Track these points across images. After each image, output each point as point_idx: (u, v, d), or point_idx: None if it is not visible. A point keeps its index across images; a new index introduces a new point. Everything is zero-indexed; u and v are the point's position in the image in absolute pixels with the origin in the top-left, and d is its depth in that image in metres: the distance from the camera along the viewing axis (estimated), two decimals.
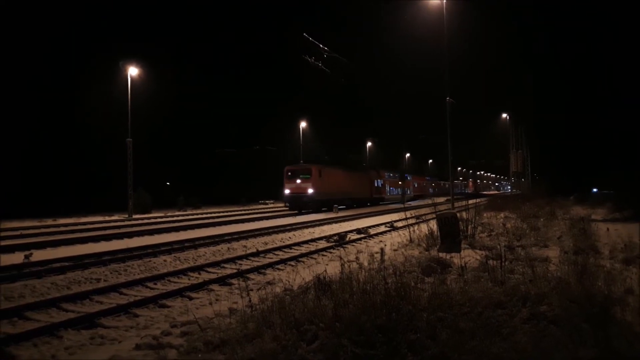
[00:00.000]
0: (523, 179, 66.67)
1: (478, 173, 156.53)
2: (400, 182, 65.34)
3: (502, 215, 22.29)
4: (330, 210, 37.56)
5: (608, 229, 14.58)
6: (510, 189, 71.04)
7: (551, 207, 24.85)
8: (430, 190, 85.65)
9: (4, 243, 15.72)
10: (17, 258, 12.82)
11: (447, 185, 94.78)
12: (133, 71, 34.76)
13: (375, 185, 56.20)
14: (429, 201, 19.62)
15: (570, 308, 5.37)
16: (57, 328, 6.98)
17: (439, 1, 28.64)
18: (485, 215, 20.93)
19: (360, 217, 31.76)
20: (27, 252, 13.18)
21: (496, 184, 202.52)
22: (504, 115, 61.72)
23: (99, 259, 13.23)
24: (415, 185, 76.14)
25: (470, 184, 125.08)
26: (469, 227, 14.27)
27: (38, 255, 13.55)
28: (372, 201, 53.00)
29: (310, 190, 37.29)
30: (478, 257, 9.56)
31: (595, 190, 48.48)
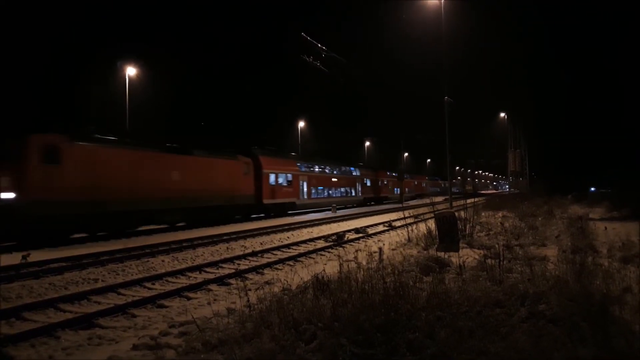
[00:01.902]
0: (521, 178, 66.74)
1: (476, 172, 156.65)
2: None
3: (500, 214, 22.31)
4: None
5: (606, 228, 14.62)
6: (509, 188, 71.04)
7: (549, 206, 24.90)
8: (415, 190, 78.00)
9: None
10: (15, 259, 12.77)
11: (444, 185, 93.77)
12: (131, 71, 34.68)
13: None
14: (427, 200, 19.61)
15: (569, 307, 5.36)
16: (54, 328, 6.95)
17: (437, 1, 28.63)
18: (483, 214, 20.93)
19: (358, 216, 31.77)
20: (24, 253, 13.13)
21: (494, 183, 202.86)
22: (502, 114, 61.78)
23: (96, 259, 13.20)
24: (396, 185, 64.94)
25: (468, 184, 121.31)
26: (467, 227, 14.28)
27: (35, 255, 13.51)
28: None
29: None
30: (476, 257, 9.57)
31: (593, 189, 48.57)
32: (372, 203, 52.75)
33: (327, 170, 43.77)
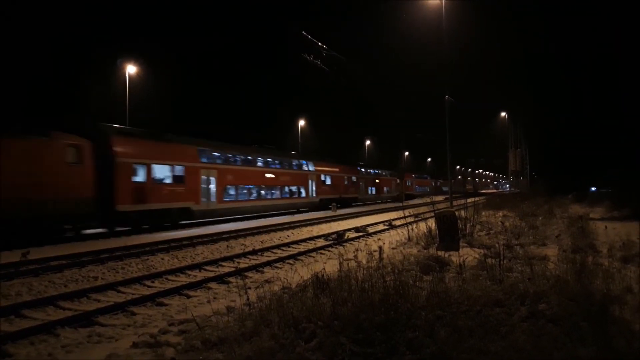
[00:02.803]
0: (522, 178, 66.72)
1: (477, 172, 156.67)
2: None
3: (500, 213, 22.30)
4: None
5: (606, 228, 14.57)
6: (509, 187, 70.96)
7: (549, 206, 24.88)
8: (417, 188, 74.52)
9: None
10: (15, 256, 12.77)
11: (438, 184, 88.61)
12: (131, 69, 34.68)
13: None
14: (428, 199, 19.58)
15: (569, 306, 5.35)
16: (54, 326, 6.95)
17: (438, 1, 28.60)
18: (483, 213, 20.90)
19: (358, 215, 31.77)
20: (24, 250, 13.13)
21: (495, 182, 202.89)
22: (503, 114, 61.76)
23: (96, 257, 13.21)
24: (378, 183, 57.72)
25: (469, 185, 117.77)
26: (468, 226, 14.27)
27: (35, 253, 13.51)
28: None
29: None
30: (477, 256, 9.55)
31: (593, 189, 48.55)
32: (336, 205, 38.61)
33: (259, 163, 32.22)
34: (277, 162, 34.33)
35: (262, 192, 31.75)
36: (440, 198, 45.06)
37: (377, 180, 58.21)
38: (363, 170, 54.24)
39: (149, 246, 15.50)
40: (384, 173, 62.38)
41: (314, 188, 38.96)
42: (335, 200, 41.03)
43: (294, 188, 35.88)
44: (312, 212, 35.58)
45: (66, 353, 5.98)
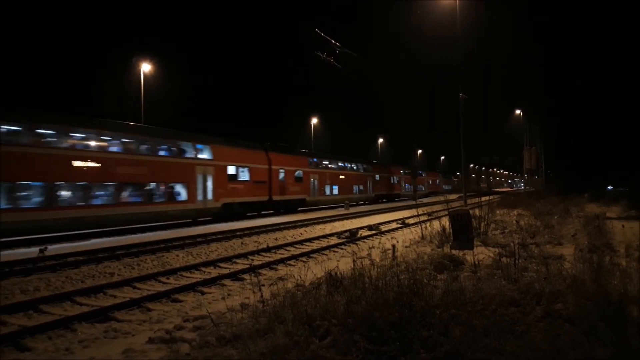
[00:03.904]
0: (537, 176, 66.01)
1: (491, 170, 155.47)
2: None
3: (515, 212, 22.09)
4: None
5: (623, 227, 14.40)
6: (524, 186, 70.22)
7: (565, 205, 24.60)
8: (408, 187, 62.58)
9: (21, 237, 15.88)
10: (32, 252, 12.97)
11: (437, 182, 79.26)
12: (146, 67, 34.92)
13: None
14: (441, 198, 19.48)
15: (586, 306, 5.30)
16: (71, 321, 7.06)
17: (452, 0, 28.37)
18: (498, 212, 20.74)
19: (371, 213, 31.71)
20: (41, 247, 13.33)
21: (509, 181, 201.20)
22: (518, 111, 61.13)
23: (112, 253, 13.36)
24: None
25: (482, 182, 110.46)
26: (482, 225, 14.17)
27: (53, 249, 13.70)
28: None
29: None
30: (491, 255, 9.49)
31: (610, 187, 47.92)
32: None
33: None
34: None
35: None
36: (453, 196, 43.72)
37: (341, 177, 42.65)
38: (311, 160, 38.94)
39: (164, 243, 15.65)
40: (352, 166, 46.23)
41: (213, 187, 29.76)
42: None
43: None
44: (327, 210, 35.56)
45: (83, 348, 6.06)
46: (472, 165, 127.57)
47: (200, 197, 23.84)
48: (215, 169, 25.13)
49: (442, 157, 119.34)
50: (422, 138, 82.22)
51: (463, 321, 4.98)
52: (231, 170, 26.72)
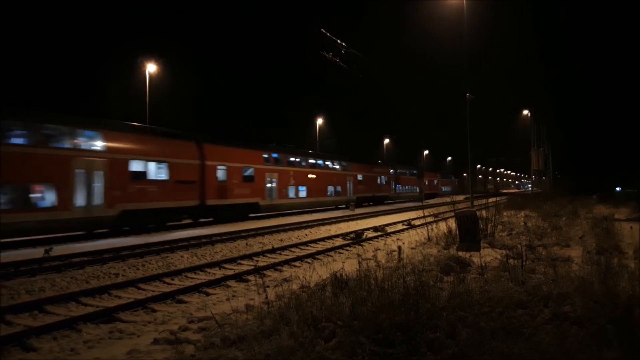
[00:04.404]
0: (544, 177, 65.67)
1: (498, 171, 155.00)
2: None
3: (522, 214, 21.98)
4: None
5: (632, 228, 14.25)
6: (531, 187, 69.72)
7: (573, 206, 24.44)
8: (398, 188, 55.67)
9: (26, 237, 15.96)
10: (38, 252, 13.02)
11: (434, 182, 73.32)
12: (151, 68, 35.01)
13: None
14: (448, 199, 19.40)
15: (594, 309, 5.24)
16: (76, 322, 7.06)
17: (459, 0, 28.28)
18: (505, 214, 20.63)
19: (377, 214, 31.63)
20: (47, 247, 13.38)
21: (516, 182, 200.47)
22: (525, 112, 60.85)
23: (117, 254, 13.38)
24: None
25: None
26: (489, 226, 14.09)
27: (58, 250, 13.75)
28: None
29: None
30: (498, 257, 9.42)
31: (618, 188, 47.60)
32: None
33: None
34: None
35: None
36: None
37: (310, 176, 35.49)
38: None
39: (169, 244, 15.66)
40: (326, 164, 39.16)
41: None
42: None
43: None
44: (331, 211, 35.44)
45: (88, 349, 6.05)
46: (479, 166, 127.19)
47: (80, 202, 17.46)
48: (108, 164, 18.65)
49: (449, 158, 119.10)
50: (429, 138, 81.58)
51: (470, 323, 4.94)
52: (136, 166, 19.98)
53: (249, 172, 27.96)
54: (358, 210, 36.04)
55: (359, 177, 44.11)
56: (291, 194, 32.43)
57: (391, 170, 54.26)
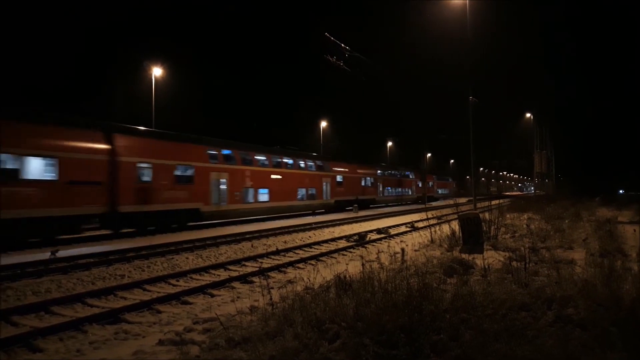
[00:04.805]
0: (547, 180, 65.57)
1: (501, 173, 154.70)
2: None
3: (525, 216, 21.96)
4: None
5: (635, 231, 14.24)
6: (534, 190, 69.52)
7: (576, 209, 24.42)
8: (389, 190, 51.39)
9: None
10: (44, 254, 13.08)
11: (429, 185, 66.37)
12: (157, 71, 35.15)
13: None
14: (451, 202, 19.41)
15: (597, 311, 5.26)
16: (82, 323, 7.11)
17: (462, 1, 28.30)
18: (508, 216, 20.64)
19: (380, 217, 31.62)
20: (53, 249, 13.44)
21: (519, 184, 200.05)
22: (528, 115, 60.78)
23: (123, 256, 13.45)
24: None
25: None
26: (492, 228, 14.09)
27: (64, 251, 13.81)
28: None
29: None
30: (501, 259, 9.44)
31: (621, 191, 47.47)
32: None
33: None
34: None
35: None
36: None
37: (274, 177, 30.17)
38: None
39: (174, 245, 15.72)
40: (297, 163, 33.98)
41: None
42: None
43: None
44: (334, 214, 35.39)
45: (94, 349, 6.10)
46: (482, 168, 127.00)
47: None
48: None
49: (452, 161, 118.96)
50: (433, 140, 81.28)
51: (473, 325, 4.97)
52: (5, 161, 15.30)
53: (188, 171, 22.78)
54: (363, 213, 36.00)
55: (339, 178, 39.51)
56: (248, 197, 27.26)
57: (378, 171, 49.52)
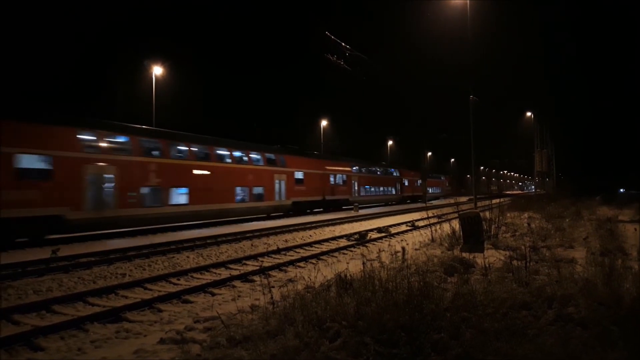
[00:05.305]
0: (548, 179, 65.51)
1: (501, 172, 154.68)
2: None
3: (526, 215, 21.95)
4: None
5: (636, 230, 14.24)
6: (535, 189, 69.48)
7: (577, 208, 24.40)
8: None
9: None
10: (45, 253, 13.10)
11: (416, 183, 62.15)
12: (157, 70, 35.11)
13: None
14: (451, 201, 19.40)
15: (598, 310, 5.26)
16: (83, 322, 7.12)
17: (462, 1, 28.25)
18: (508, 215, 20.63)
19: (381, 216, 31.64)
20: (54, 247, 13.45)
21: (520, 183, 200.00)
22: (529, 113, 60.71)
23: (124, 255, 13.46)
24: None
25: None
26: (492, 227, 14.09)
27: (65, 250, 13.83)
28: None
29: None
30: (502, 258, 9.44)
31: (622, 190, 47.46)
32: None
33: None
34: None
35: None
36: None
37: (197, 172, 23.38)
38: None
39: (175, 244, 15.74)
40: (238, 155, 27.09)
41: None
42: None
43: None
44: (334, 213, 35.40)
45: (95, 348, 6.11)
46: (482, 167, 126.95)
47: None
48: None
49: (452, 160, 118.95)
50: (433, 140, 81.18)
51: (474, 324, 4.97)
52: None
53: (42, 164, 16.28)
54: (364, 211, 36.01)
55: (298, 174, 32.83)
56: (152, 200, 20.70)
57: (354, 168, 42.89)
